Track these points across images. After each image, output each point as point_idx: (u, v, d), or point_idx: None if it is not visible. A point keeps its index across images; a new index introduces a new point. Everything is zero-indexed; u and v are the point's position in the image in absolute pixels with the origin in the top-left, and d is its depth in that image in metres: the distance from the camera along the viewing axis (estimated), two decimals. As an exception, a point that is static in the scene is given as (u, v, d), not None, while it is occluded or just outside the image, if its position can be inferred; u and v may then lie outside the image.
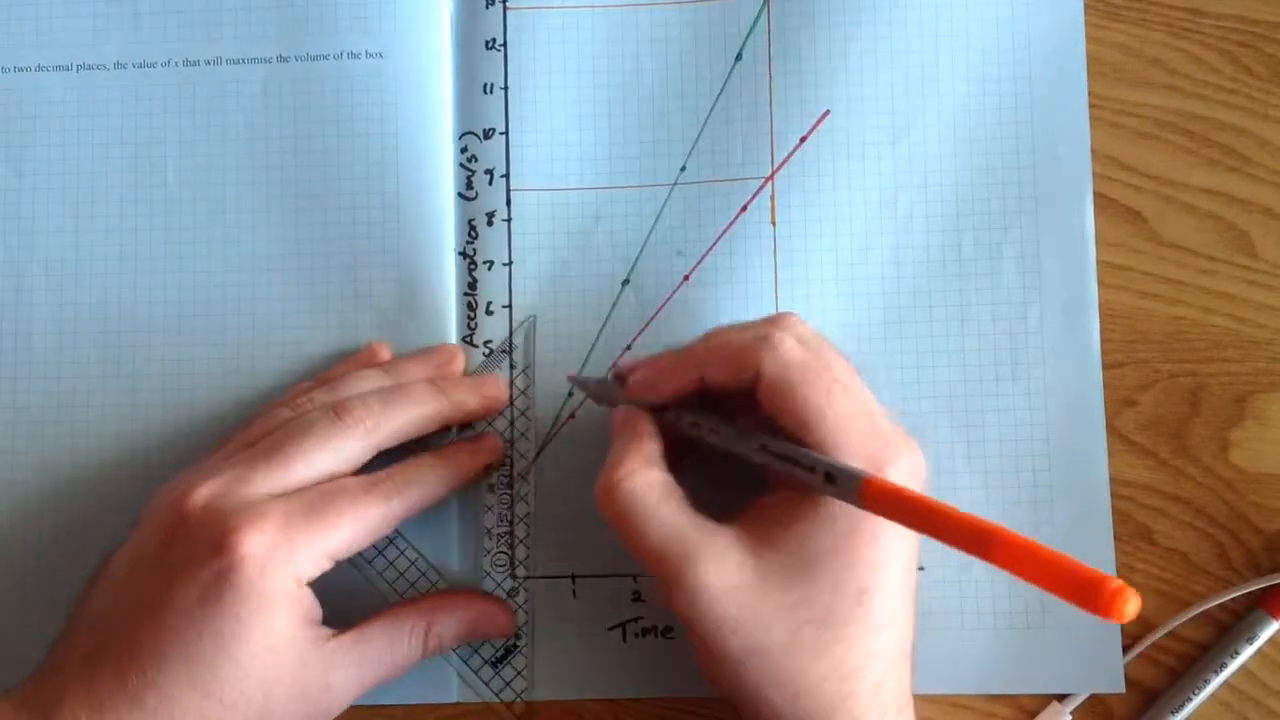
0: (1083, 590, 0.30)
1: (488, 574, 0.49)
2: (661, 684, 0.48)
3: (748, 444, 0.41)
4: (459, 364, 0.49)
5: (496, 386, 0.48)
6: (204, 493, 0.41)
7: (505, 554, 0.49)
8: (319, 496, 0.42)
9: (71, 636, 0.42)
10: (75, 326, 0.50)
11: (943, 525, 0.34)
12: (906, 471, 0.40)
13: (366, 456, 0.44)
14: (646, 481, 0.41)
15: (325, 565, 0.42)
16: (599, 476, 0.42)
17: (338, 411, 0.44)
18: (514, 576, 0.49)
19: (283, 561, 0.40)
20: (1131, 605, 0.30)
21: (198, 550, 0.40)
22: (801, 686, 0.39)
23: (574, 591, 0.48)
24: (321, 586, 0.42)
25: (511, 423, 0.49)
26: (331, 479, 0.43)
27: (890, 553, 0.40)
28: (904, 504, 0.36)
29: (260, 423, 0.46)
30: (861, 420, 0.40)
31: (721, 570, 0.39)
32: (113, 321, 0.50)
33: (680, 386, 0.43)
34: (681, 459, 0.43)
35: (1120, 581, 0.30)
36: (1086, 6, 0.50)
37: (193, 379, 0.50)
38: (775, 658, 0.39)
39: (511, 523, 0.49)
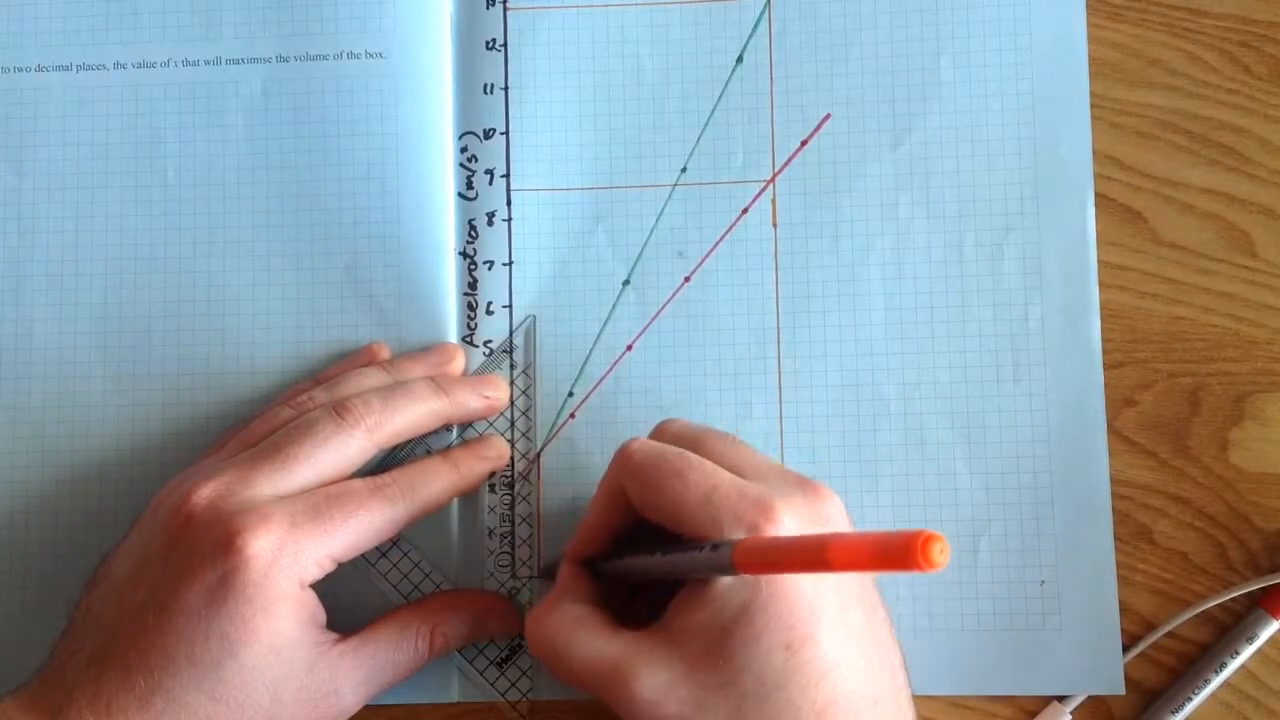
0: (898, 551, 0.29)
1: (490, 574, 0.49)
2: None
3: (649, 561, 0.41)
4: (459, 363, 0.49)
5: (498, 387, 0.48)
6: (207, 493, 0.41)
7: (508, 554, 0.49)
8: (324, 499, 0.42)
9: (76, 637, 0.42)
10: (75, 326, 0.50)
11: (799, 557, 0.34)
12: (794, 526, 0.38)
13: (368, 455, 0.44)
14: (562, 616, 0.41)
15: (329, 567, 0.42)
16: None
17: (338, 410, 0.44)
18: (516, 576, 0.49)
19: (287, 563, 0.40)
20: (937, 549, 0.29)
21: (202, 551, 0.40)
22: None
23: (575, 592, 0.49)
24: (325, 590, 0.42)
25: (512, 423, 0.49)
26: (334, 479, 0.43)
27: (815, 600, 0.37)
28: (772, 554, 0.35)
29: (260, 423, 0.46)
30: (724, 490, 0.39)
31: (651, 674, 0.38)
32: (113, 321, 0.50)
33: (598, 539, 0.44)
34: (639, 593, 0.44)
35: (928, 531, 0.29)
36: (1087, 7, 0.50)
37: (192, 379, 0.50)
38: None
39: (513, 523, 0.49)
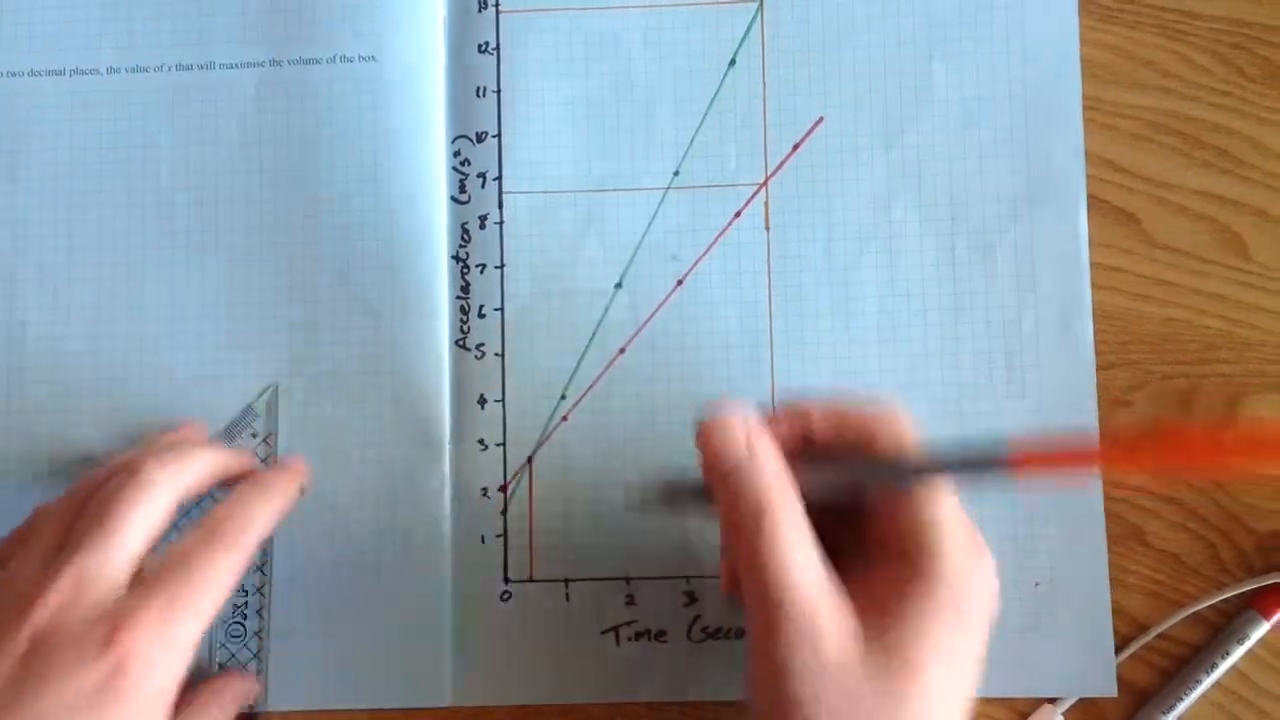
0: None
1: (484, 579, 0.49)
2: (654, 687, 0.48)
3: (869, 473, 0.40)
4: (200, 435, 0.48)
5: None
6: (51, 603, 0.37)
7: (500, 560, 0.49)
8: (170, 571, 0.39)
9: None
10: (68, 330, 0.50)
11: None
12: (983, 584, 0.38)
13: (173, 508, 0.41)
14: (802, 517, 0.38)
15: (198, 640, 0.39)
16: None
17: (130, 471, 0.41)
18: (507, 581, 0.49)
19: (165, 649, 0.37)
20: None
21: (64, 666, 0.36)
22: None
23: (567, 595, 0.49)
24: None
25: (504, 439, 0.49)
26: (153, 543, 0.40)
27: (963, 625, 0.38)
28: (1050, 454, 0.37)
29: (63, 506, 0.42)
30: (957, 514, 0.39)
31: (835, 639, 0.36)
32: (105, 325, 0.50)
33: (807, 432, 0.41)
34: None
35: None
36: (1080, 9, 0.50)
37: (185, 383, 0.50)
38: None
39: (505, 528, 0.49)
